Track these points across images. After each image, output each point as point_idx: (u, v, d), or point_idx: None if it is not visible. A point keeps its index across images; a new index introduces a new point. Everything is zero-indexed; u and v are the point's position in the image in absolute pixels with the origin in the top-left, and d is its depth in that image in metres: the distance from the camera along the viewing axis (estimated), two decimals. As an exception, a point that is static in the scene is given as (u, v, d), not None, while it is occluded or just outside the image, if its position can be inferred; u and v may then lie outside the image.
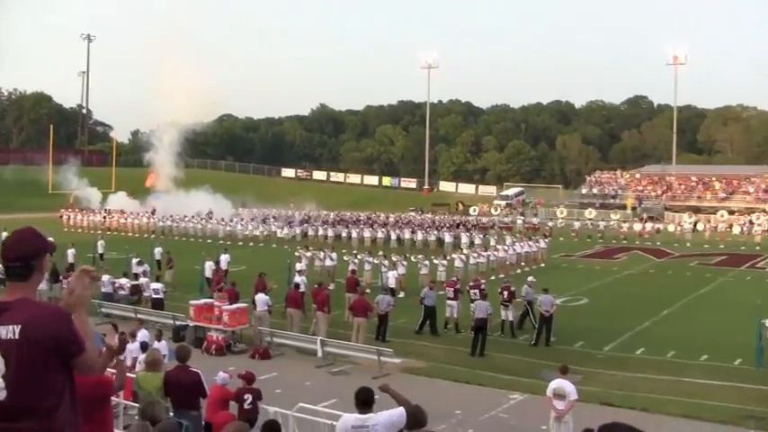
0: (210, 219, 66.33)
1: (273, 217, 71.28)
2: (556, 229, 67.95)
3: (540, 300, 25.80)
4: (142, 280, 32.52)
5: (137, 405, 12.26)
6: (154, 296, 29.65)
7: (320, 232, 58.73)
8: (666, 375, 21.74)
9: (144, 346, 17.90)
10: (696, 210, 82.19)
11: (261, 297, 25.64)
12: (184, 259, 40.48)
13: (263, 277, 28.70)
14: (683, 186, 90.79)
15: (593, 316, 30.44)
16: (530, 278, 29.28)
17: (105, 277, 31.58)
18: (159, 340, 19.15)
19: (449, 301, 27.81)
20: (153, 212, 70.99)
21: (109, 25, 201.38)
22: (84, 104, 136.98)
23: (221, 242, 55.51)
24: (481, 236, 52.30)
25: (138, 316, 26.24)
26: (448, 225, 61.65)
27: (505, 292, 27.15)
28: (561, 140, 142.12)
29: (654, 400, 19.17)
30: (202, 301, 26.68)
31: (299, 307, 26.72)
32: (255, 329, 24.90)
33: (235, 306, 24.99)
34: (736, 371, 22.30)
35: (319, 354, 22.75)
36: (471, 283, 29.24)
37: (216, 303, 25.07)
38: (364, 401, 8.97)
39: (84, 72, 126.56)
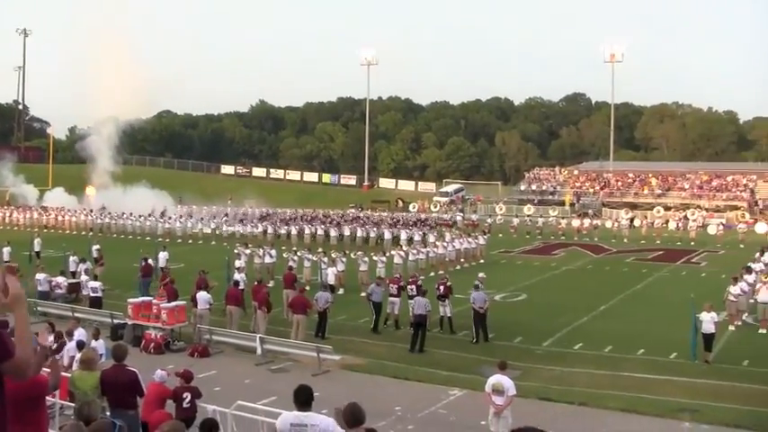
0: (163, 217, 65.76)
1: (226, 214, 70.73)
2: (495, 225, 68.41)
3: (473, 297, 25.85)
4: (83, 278, 32.17)
5: (73, 405, 12.09)
6: (92, 294, 29.25)
7: (276, 230, 58.01)
8: (604, 370, 21.95)
9: (81, 345, 17.65)
10: (633, 206, 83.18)
11: (202, 295, 25.48)
12: (123, 257, 40.11)
13: (204, 275, 28.48)
14: (620, 183, 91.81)
15: (532, 312, 30.67)
16: (481, 274, 29.31)
17: (42, 275, 31.24)
18: (97, 339, 18.91)
19: (392, 298, 27.86)
20: (103, 209, 69.88)
21: (46, 19, 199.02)
22: (20, 100, 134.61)
23: (160, 239, 55.07)
24: (421, 233, 52.40)
25: (76, 315, 25.91)
26: (408, 223, 61.16)
27: (441, 287, 27.23)
28: (500, 137, 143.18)
29: (592, 394, 19.38)
30: (141, 299, 26.47)
31: (240, 304, 26.58)
32: (195, 327, 24.72)
33: (173, 304, 24.81)
34: (672, 364, 22.63)
35: (258, 351, 22.65)
36: (409, 280, 29.33)
37: (154, 301, 24.89)
38: (304, 400, 8.97)
39: (20, 67, 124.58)
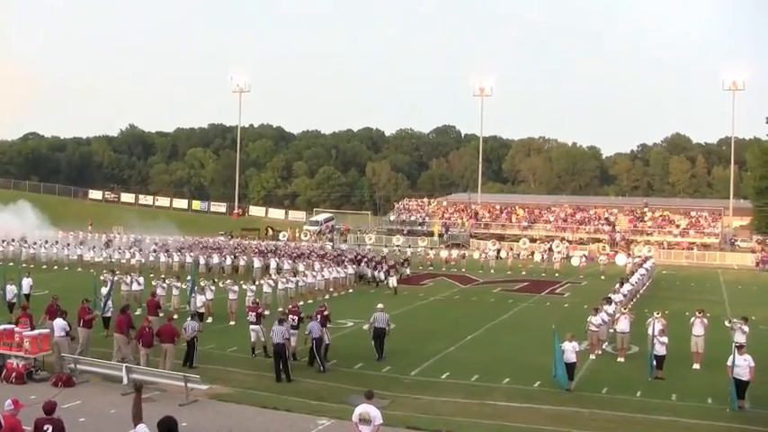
0: (109, 246, 64.19)
1: (156, 243, 68.33)
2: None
3: (310, 327, 25.74)
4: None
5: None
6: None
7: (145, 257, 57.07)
8: (471, 398, 22.25)
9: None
10: (500, 237, 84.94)
11: (58, 322, 24.61)
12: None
13: (87, 304, 27.37)
14: (488, 214, 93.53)
15: (400, 341, 30.73)
16: (380, 305, 29.18)
17: None
18: (-47, 369, 18.30)
19: (252, 326, 27.72)
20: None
21: None
22: None
23: (24, 265, 53.49)
24: (290, 261, 52.36)
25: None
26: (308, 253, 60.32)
27: (319, 315, 27.22)
28: (371, 167, 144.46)
29: (459, 423, 19.64)
30: (2, 327, 25.62)
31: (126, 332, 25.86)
32: (57, 356, 24.08)
33: (37, 332, 24.11)
34: (535, 392, 23.12)
35: (125, 381, 22.20)
36: (290, 307, 29.20)
37: (17, 329, 24.14)
38: (168, 430, 8.95)
39: None
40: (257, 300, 33.19)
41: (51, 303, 27.46)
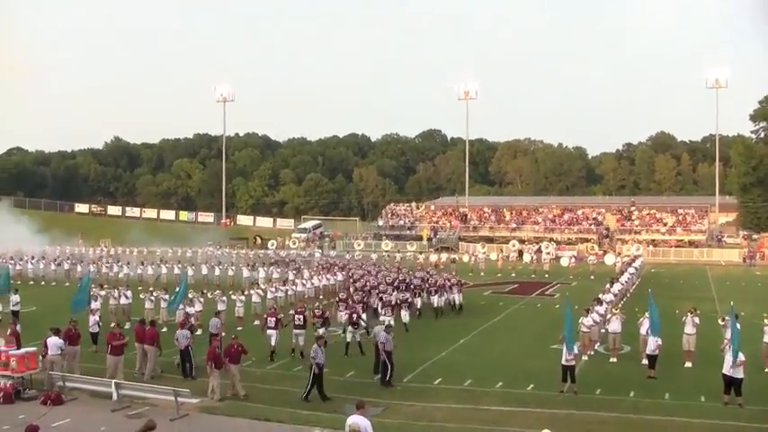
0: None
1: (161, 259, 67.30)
2: (353, 261, 68.55)
3: (384, 337, 25.49)
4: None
5: None
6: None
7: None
8: (464, 404, 22.20)
9: None
10: (489, 240, 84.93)
11: (53, 340, 24.40)
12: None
13: (117, 329, 26.78)
14: (476, 217, 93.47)
15: (392, 347, 30.77)
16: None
17: None
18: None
19: (269, 331, 28.44)
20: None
21: None
22: None
23: (11, 282, 53.06)
24: (279, 270, 52.17)
25: None
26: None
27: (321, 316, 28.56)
28: (358, 173, 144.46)
29: (452, 429, 19.53)
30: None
31: (155, 343, 25.60)
32: (47, 374, 23.81)
33: (23, 350, 23.86)
34: (529, 396, 23.05)
35: (114, 397, 21.97)
36: (297, 309, 29.70)
37: (2, 348, 23.87)
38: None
39: None
40: (275, 306, 33.12)
41: (69, 328, 26.34)
